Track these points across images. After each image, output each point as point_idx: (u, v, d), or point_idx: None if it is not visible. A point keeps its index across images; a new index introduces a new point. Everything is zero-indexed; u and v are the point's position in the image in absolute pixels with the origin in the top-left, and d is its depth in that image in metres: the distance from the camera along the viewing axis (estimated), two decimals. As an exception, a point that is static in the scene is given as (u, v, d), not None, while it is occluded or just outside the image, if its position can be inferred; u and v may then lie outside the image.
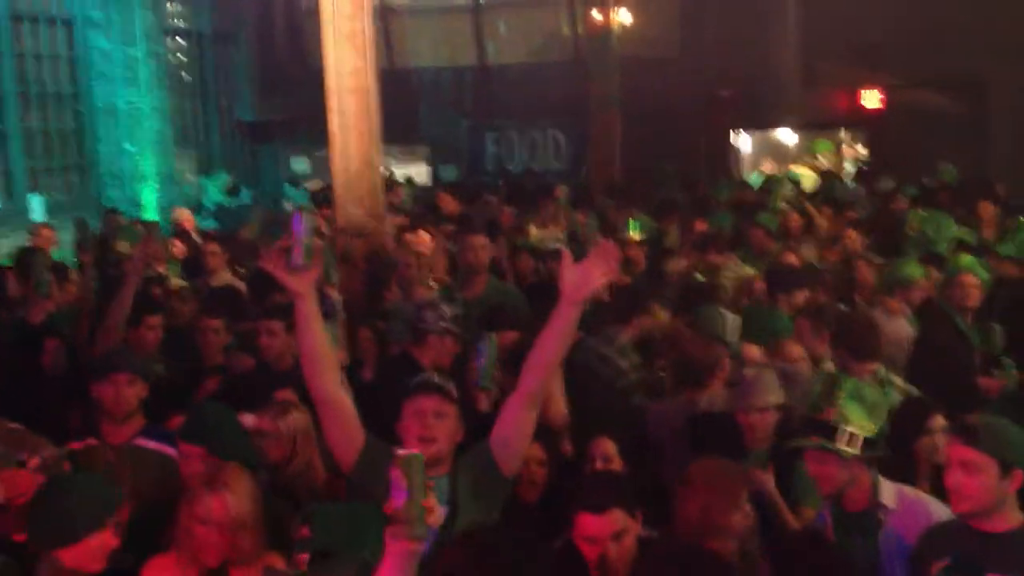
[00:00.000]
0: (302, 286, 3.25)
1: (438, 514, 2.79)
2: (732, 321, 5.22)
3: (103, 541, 3.13)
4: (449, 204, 11.16)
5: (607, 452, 4.20)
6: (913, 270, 6.33)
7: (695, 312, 5.39)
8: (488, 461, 3.38)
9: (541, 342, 3.36)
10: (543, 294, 5.79)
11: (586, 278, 3.23)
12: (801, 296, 5.96)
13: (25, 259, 7.12)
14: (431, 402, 3.39)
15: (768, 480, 3.93)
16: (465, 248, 6.73)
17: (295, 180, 15.25)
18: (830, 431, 3.30)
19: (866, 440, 3.29)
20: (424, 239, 8.33)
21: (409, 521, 2.49)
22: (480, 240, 6.68)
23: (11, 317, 6.25)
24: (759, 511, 3.63)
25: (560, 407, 4.33)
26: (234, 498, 3.18)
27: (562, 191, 10.16)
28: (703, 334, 5.04)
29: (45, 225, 9.84)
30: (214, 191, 14.62)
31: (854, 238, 7.92)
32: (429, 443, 3.28)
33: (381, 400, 4.10)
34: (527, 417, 3.38)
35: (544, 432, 3.98)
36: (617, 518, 3.16)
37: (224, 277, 7.78)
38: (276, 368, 5.19)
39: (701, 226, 8.63)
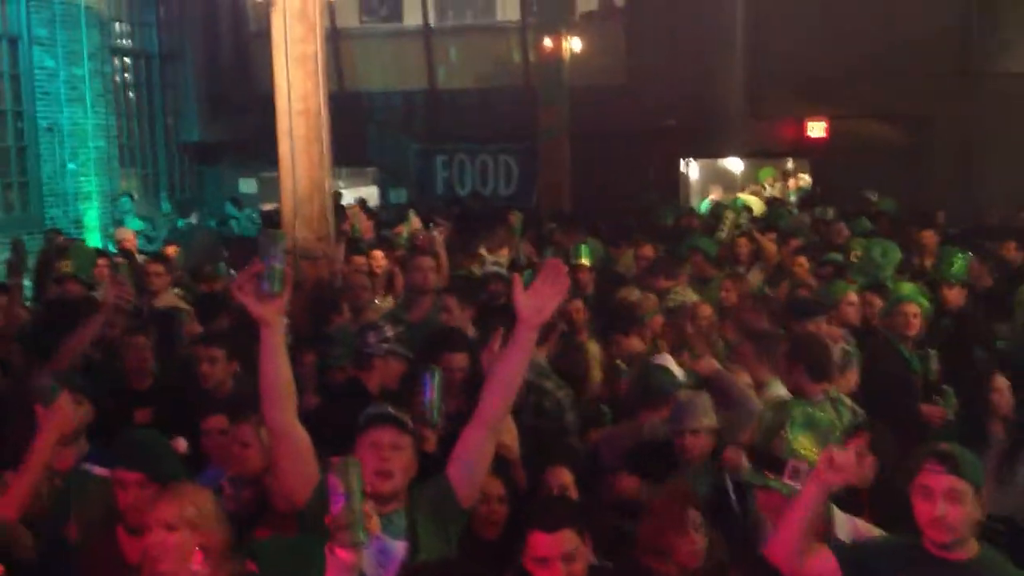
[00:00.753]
0: (270, 314, 3.13)
1: (375, 522, 2.73)
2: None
3: None
4: (363, 223, 11.22)
5: (564, 482, 4.16)
6: (838, 288, 6.52)
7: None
8: (446, 491, 3.31)
9: (500, 367, 3.33)
10: (487, 317, 5.85)
11: (542, 300, 3.22)
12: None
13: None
14: (388, 434, 3.28)
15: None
16: (413, 269, 6.71)
17: (237, 200, 15.08)
18: (778, 464, 3.30)
19: None
20: (380, 260, 8.29)
21: (348, 526, 2.46)
22: (427, 262, 6.66)
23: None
24: (726, 528, 3.64)
25: (513, 436, 4.30)
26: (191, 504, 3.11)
27: (516, 217, 10.17)
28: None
29: None
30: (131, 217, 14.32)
31: (803, 264, 8.03)
32: (386, 477, 3.20)
33: (328, 427, 4.01)
34: (487, 443, 3.34)
35: (500, 464, 3.94)
36: (569, 538, 3.15)
37: (168, 298, 7.66)
38: (214, 395, 5.10)
39: (648, 252, 8.69)
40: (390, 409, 3.44)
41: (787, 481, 3.29)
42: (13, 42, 13.41)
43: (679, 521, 3.45)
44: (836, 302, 6.42)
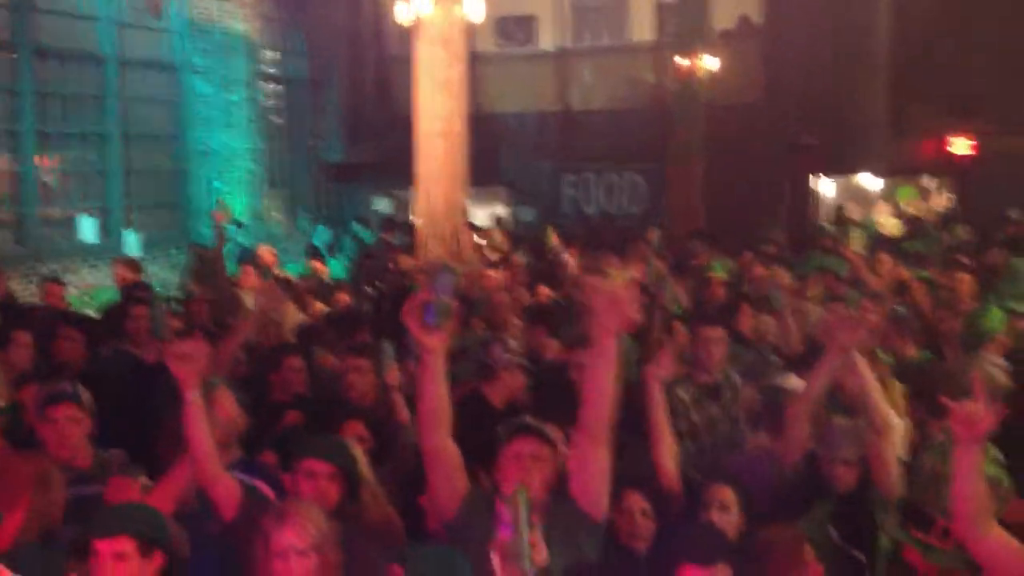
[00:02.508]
0: (435, 344, 3.25)
1: (544, 554, 2.79)
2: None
3: None
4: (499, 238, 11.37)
5: (725, 500, 3.98)
6: (995, 322, 6.11)
7: None
8: (576, 512, 3.38)
9: (587, 376, 3.37)
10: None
11: (616, 306, 3.23)
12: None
13: (144, 298, 7.12)
14: (530, 445, 3.41)
15: None
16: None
17: (365, 219, 15.49)
18: (927, 523, 3.22)
19: None
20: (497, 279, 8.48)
21: (516, 556, 2.49)
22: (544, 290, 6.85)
23: (124, 352, 6.34)
24: None
25: (672, 454, 4.26)
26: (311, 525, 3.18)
27: (655, 233, 10.24)
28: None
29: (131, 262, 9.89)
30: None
31: (967, 281, 7.83)
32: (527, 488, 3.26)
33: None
34: (595, 453, 3.37)
35: (642, 478, 3.97)
36: (722, 571, 3.10)
37: (296, 317, 7.84)
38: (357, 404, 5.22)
39: (760, 271, 8.63)
40: (530, 420, 3.56)
41: (935, 543, 3.20)
42: (172, 70, 14.21)
43: (797, 560, 3.38)
44: (992, 335, 6.04)
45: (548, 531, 3.16)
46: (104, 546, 3.02)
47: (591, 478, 3.38)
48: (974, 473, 3.00)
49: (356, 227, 14.54)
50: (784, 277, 8.05)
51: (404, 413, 4.98)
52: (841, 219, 14.06)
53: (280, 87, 17.04)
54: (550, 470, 3.40)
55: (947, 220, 13.98)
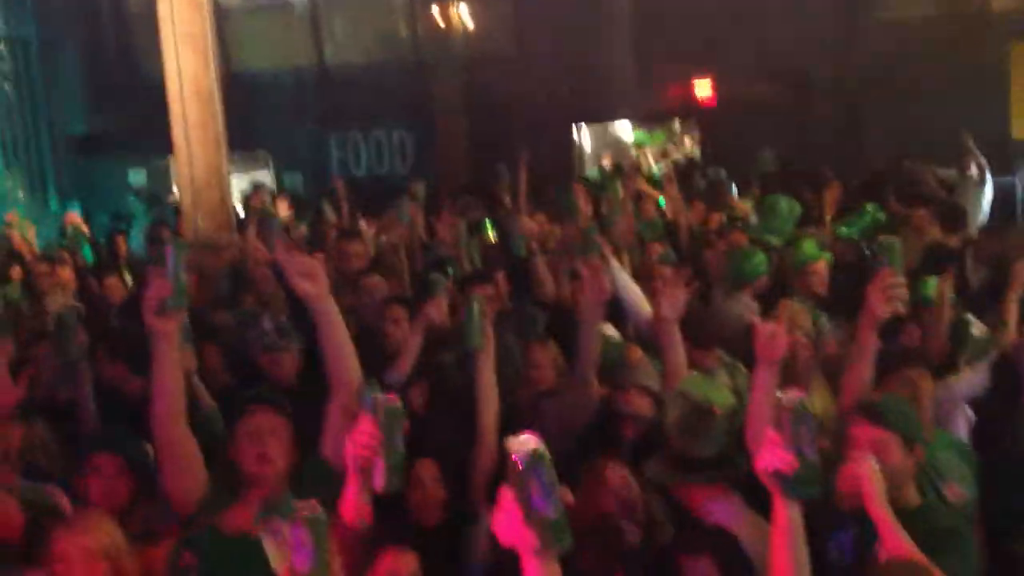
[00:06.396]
0: (168, 327, 3.13)
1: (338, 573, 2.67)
2: None
3: None
4: (283, 209, 11.07)
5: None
6: (757, 265, 6.40)
7: None
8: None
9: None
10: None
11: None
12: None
13: None
14: (266, 419, 3.32)
15: None
16: (342, 256, 6.71)
17: (139, 191, 14.59)
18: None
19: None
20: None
21: None
22: (357, 247, 6.66)
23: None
24: None
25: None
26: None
27: (418, 188, 10.15)
28: None
29: None
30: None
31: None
32: (265, 461, 3.24)
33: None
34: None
35: (434, 447, 4.02)
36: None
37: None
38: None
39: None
40: (265, 391, 3.49)
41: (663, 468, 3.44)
42: None
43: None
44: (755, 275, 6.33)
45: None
46: None
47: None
48: (769, 393, 3.28)
49: (134, 202, 13.62)
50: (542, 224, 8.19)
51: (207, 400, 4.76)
52: (608, 170, 14.41)
53: (6, 49, 15.67)
54: (289, 443, 3.31)
55: (701, 163, 14.68)
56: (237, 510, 3.21)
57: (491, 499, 3.58)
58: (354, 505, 2.92)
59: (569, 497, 2.24)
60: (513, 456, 2.05)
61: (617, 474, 3.48)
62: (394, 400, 2.88)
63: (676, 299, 4.49)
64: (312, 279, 3.26)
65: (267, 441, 3.25)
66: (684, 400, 3.67)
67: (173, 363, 3.16)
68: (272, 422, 3.31)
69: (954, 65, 14.33)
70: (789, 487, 2.51)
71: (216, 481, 3.35)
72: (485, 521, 3.70)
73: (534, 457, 2.05)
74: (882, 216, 7.96)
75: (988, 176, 9.94)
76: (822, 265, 6.26)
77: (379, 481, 2.79)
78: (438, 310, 5.14)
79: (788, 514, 2.59)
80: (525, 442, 2.07)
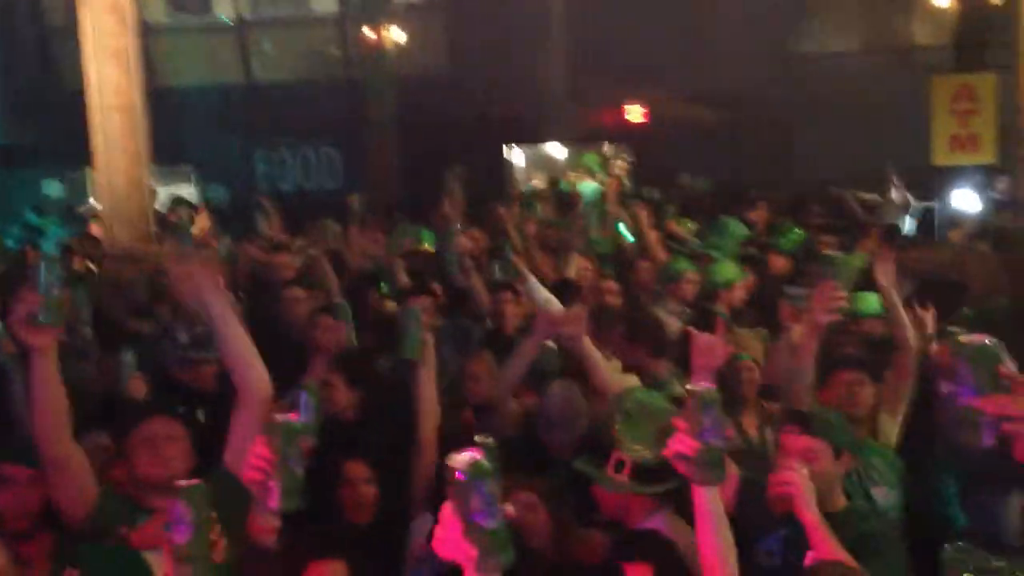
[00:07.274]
0: (44, 342, 3.00)
1: (223, 548, 2.54)
2: None
3: None
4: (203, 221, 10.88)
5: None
6: (681, 265, 6.65)
7: None
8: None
9: None
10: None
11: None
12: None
13: None
14: (161, 426, 3.26)
15: None
16: (270, 268, 6.74)
17: (42, 207, 14.10)
18: (604, 454, 3.25)
19: (647, 468, 3.19)
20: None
21: (195, 558, 2.30)
22: (284, 259, 6.68)
23: None
24: None
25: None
26: None
27: (355, 200, 10.03)
28: None
29: None
30: None
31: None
32: (160, 465, 3.16)
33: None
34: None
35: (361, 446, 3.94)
36: None
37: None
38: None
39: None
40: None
41: (611, 475, 3.20)
42: None
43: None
44: (677, 276, 6.53)
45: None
46: None
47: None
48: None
49: (30, 216, 13.20)
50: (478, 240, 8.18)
51: None
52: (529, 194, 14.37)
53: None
54: (187, 447, 3.24)
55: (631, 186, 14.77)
56: (147, 526, 3.09)
57: (429, 507, 3.45)
58: (257, 525, 2.87)
59: (511, 511, 2.14)
60: (456, 473, 2.02)
61: (522, 504, 3.38)
62: (293, 419, 2.80)
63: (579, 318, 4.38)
64: (206, 290, 3.19)
65: (163, 446, 3.19)
66: (629, 407, 3.58)
67: (51, 377, 3.05)
68: (168, 428, 3.25)
69: (878, 95, 14.74)
70: (692, 470, 2.59)
71: (110, 494, 3.24)
72: (420, 521, 3.66)
73: (476, 470, 2.02)
74: (803, 234, 8.19)
75: (911, 201, 10.23)
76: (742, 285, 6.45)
77: (273, 503, 2.74)
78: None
79: (704, 498, 2.66)
80: (469, 458, 2.04)
